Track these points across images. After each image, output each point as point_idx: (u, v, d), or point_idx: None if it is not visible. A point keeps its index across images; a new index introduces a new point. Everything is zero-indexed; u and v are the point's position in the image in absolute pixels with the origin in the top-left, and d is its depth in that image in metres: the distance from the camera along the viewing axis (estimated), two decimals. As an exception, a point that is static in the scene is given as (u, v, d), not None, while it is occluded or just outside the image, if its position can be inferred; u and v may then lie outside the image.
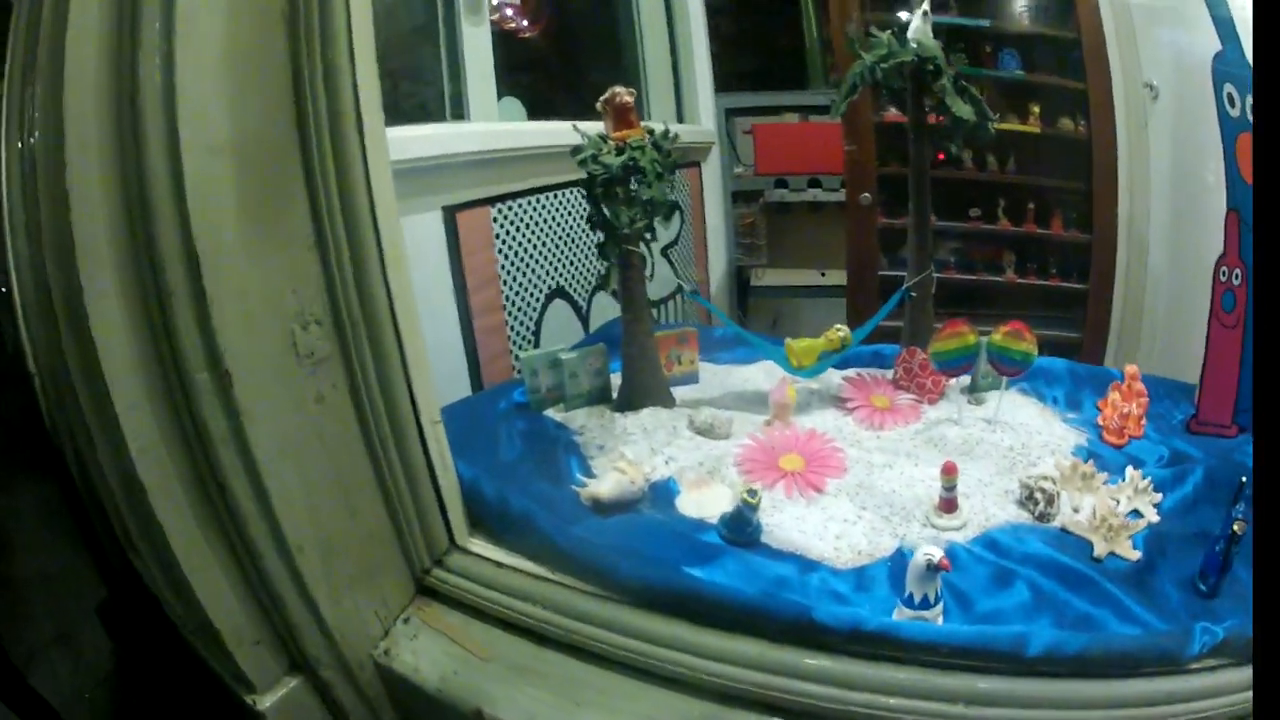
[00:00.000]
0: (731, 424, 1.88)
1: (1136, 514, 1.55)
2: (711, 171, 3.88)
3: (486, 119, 2.52)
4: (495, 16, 2.69)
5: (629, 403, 1.97)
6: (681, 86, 3.78)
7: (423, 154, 2.00)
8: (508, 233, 2.31)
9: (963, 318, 1.94)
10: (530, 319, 2.41)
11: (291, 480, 1.15)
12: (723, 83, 3.93)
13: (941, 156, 2.65)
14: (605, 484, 1.57)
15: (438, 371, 1.98)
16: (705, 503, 1.59)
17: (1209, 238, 2.67)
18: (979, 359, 1.98)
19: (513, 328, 2.33)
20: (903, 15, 3.07)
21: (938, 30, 3.06)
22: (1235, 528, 1.24)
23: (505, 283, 2.30)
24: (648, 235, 1.90)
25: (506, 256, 2.30)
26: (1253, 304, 1.86)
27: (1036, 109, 3.22)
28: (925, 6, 2.09)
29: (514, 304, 2.33)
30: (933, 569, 1.19)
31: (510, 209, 2.32)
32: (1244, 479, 1.32)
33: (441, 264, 2.12)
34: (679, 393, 2.04)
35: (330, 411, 1.20)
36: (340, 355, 1.18)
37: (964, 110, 2.01)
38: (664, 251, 3.23)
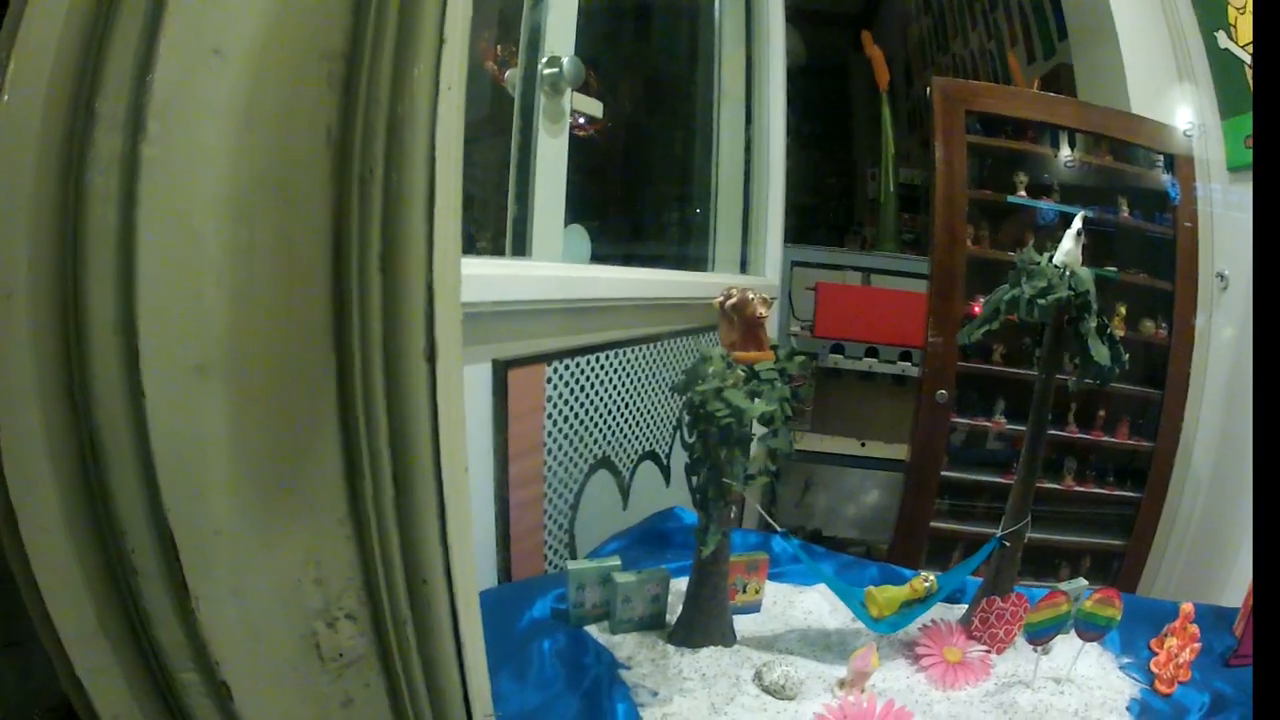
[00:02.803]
0: (802, 684, 1.56)
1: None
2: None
3: (550, 251, 2.24)
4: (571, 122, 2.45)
5: (688, 639, 1.66)
6: (750, 233, 3.53)
7: (477, 298, 1.66)
8: (560, 395, 1.98)
9: (1061, 593, 1.71)
10: (571, 491, 2.08)
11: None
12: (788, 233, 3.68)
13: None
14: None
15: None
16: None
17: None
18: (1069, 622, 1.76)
19: (550, 500, 2.00)
20: (1013, 197, 2.99)
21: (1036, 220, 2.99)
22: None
23: (550, 451, 1.97)
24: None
25: (555, 422, 1.98)
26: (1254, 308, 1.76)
27: (1124, 310, 3.04)
28: (1079, 224, 1.79)
29: (555, 474, 2.00)
30: None
31: (567, 367, 2.00)
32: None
33: (483, 425, 1.78)
34: (739, 624, 1.75)
35: (360, 715, 0.83)
36: (378, 654, 0.82)
37: (1103, 355, 1.73)
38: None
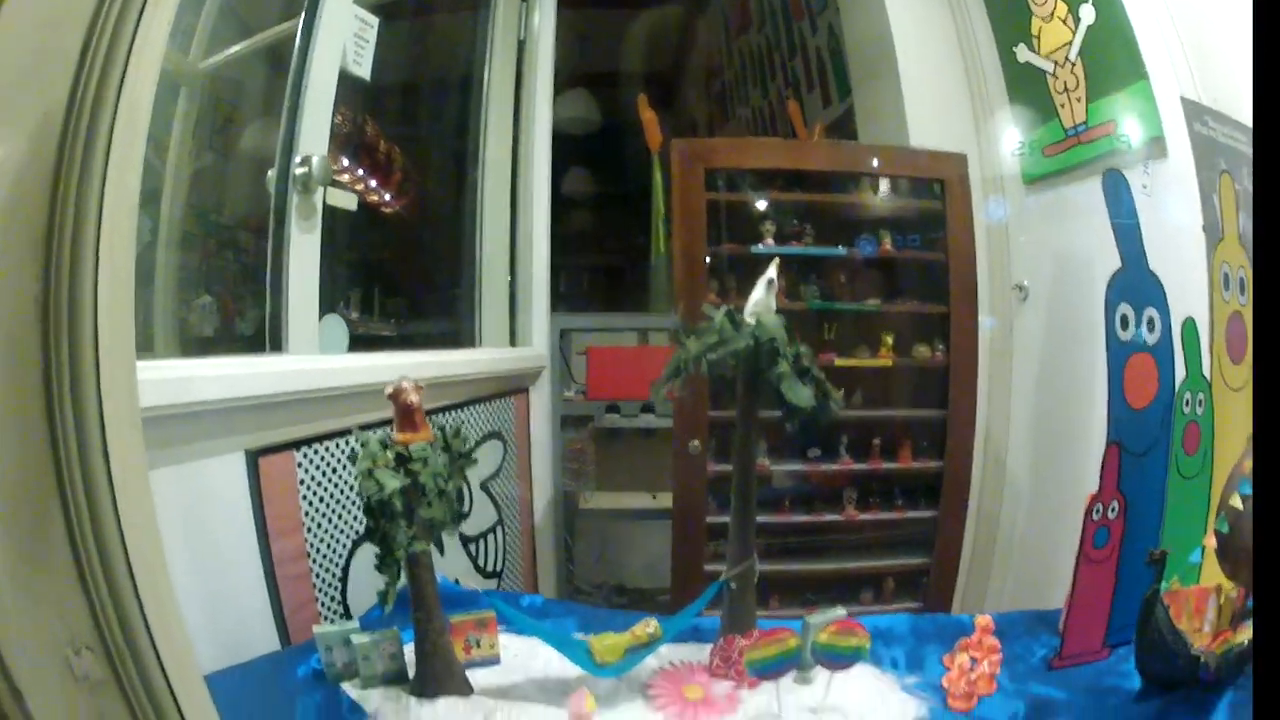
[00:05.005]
0: (529, 727, 1.85)
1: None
2: (541, 395, 3.93)
3: (305, 344, 2.53)
4: (359, 187, 2.66)
5: (424, 691, 1.94)
6: (517, 307, 3.87)
7: (222, 395, 1.97)
8: (313, 478, 2.30)
9: (786, 629, 1.90)
10: (337, 565, 2.39)
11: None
12: (563, 296, 3.98)
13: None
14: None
15: (241, 622, 2.03)
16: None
17: (1075, 457, 2.87)
18: (802, 656, 1.95)
19: (318, 575, 2.31)
20: (758, 247, 3.25)
21: (791, 264, 3.26)
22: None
23: (310, 529, 2.28)
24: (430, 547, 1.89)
25: (311, 503, 2.29)
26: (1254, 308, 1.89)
27: (890, 339, 3.31)
28: (771, 273, 2.02)
29: (319, 551, 2.31)
30: None
31: (317, 452, 2.32)
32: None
33: (244, 510, 2.09)
34: (479, 676, 2.04)
35: (110, 728, 1.24)
36: (114, 680, 1.21)
37: (802, 397, 1.93)
38: (484, 485, 3.26)
